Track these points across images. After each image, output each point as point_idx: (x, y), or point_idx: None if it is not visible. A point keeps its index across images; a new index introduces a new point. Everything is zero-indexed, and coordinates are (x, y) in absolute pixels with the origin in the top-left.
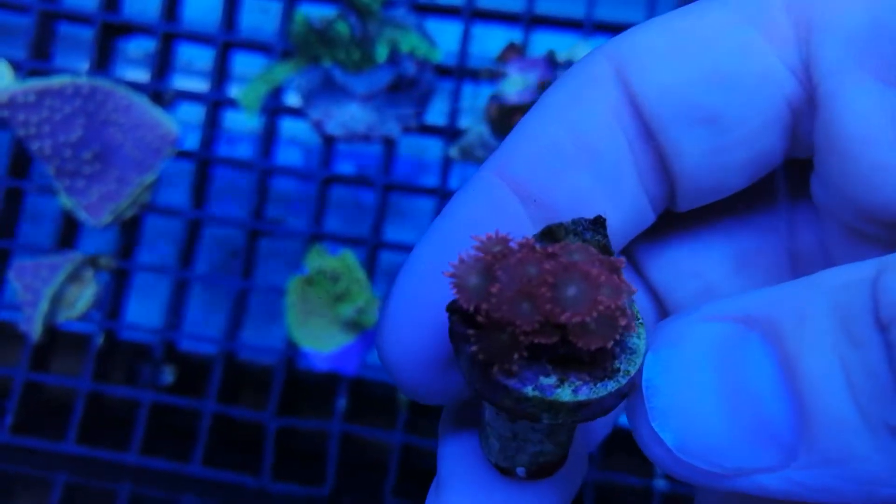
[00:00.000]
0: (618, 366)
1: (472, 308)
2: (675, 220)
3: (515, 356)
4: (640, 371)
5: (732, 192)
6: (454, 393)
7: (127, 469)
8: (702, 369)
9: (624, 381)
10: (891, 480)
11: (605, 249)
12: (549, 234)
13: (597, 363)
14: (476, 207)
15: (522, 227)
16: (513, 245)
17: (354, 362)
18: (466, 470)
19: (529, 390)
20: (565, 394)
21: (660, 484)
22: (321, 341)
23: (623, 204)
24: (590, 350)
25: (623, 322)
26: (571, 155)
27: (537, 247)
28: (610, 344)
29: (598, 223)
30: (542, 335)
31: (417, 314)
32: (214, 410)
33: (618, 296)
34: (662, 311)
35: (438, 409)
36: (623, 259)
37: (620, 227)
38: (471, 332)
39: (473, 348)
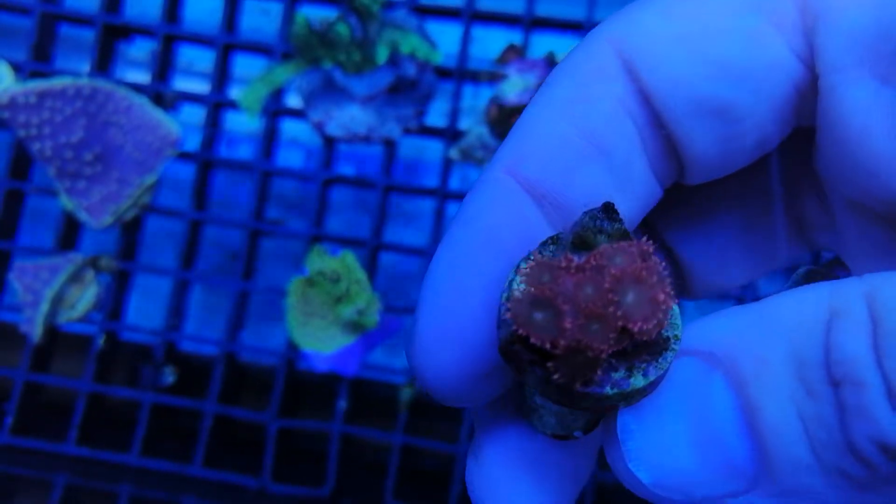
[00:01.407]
0: (666, 334)
1: (548, 345)
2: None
3: (599, 371)
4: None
5: (741, 167)
6: (486, 397)
7: (128, 470)
8: (672, 412)
9: (678, 347)
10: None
11: (625, 234)
12: (582, 244)
13: (650, 341)
14: (493, 213)
15: (540, 229)
16: (558, 262)
17: (355, 363)
18: (504, 431)
19: (609, 390)
20: (638, 381)
21: None
22: (322, 342)
23: (636, 191)
24: (653, 339)
25: (672, 304)
26: (583, 153)
27: (576, 260)
28: (666, 324)
29: (610, 210)
30: (616, 346)
31: (447, 328)
32: (215, 411)
33: (663, 284)
34: (674, 263)
35: (438, 411)
36: (650, 243)
37: (634, 212)
38: (549, 363)
39: (555, 376)
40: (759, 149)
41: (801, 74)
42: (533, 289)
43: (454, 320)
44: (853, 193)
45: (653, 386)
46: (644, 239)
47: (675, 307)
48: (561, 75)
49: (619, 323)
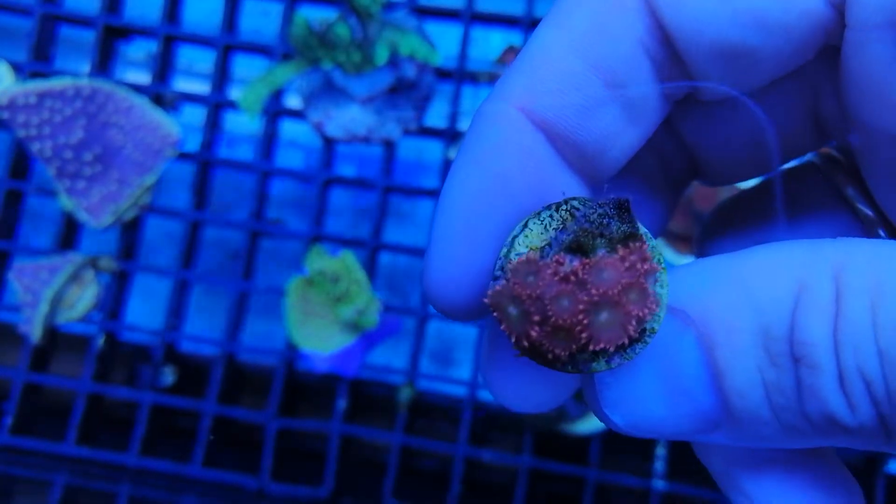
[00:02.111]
0: (644, 327)
1: (514, 339)
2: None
3: (559, 365)
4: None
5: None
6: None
7: (127, 470)
8: (644, 367)
9: (650, 340)
10: (796, 447)
11: (633, 236)
12: (579, 248)
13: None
14: (507, 153)
15: (554, 171)
16: (547, 274)
17: (354, 363)
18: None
19: (569, 368)
20: (600, 366)
21: (658, 484)
22: (321, 342)
23: (649, 123)
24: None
25: (649, 317)
26: (600, 93)
27: (567, 262)
28: (637, 333)
29: (623, 208)
30: (581, 355)
31: (458, 273)
32: (215, 411)
33: (643, 300)
34: (694, 166)
35: (437, 412)
36: (645, 244)
37: (640, 139)
38: (523, 345)
39: (520, 353)
40: (774, 75)
41: (831, 17)
42: (514, 285)
43: (464, 265)
44: (872, 122)
45: (616, 367)
46: (643, 246)
47: (664, 293)
48: (574, 5)
49: (584, 339)
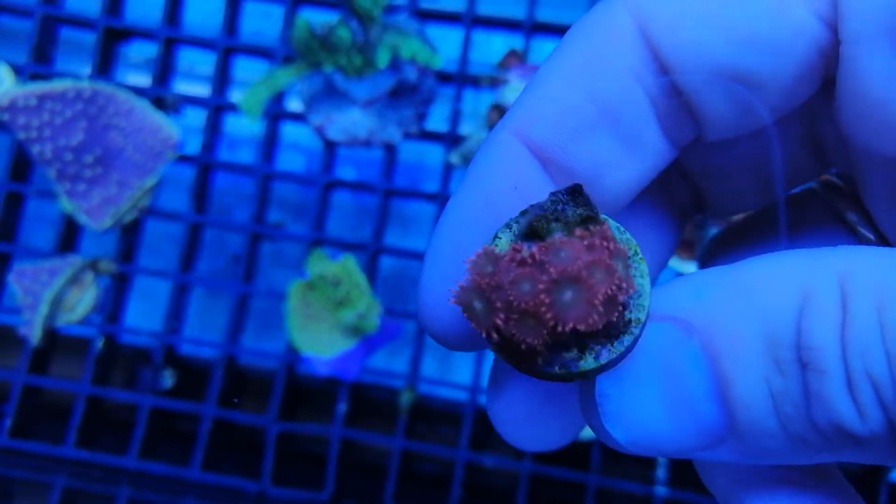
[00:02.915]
0: (629, 317)
1: (484, 334)
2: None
3: (538, 360)
4: (648, 313)
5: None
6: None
7: (126, 473)
8: (647, 378)
9: (637, 331)
10: (796, 462)
11: (590, 219)
12: (533, 234)
13: (608, 324)
14: (498, 175)
15: (545, 193)
16: (504, 262)
17: (355, 367)
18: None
19: (556, 370)
20: (588, 363)
21: (660, 491)
22: (322, 346)
23: (646, 157)
24: (599, 329)
25: (622, 297)
26: (592, 119)
27: (525, 249)
28: (615, 317)
29: (576, 193)
30: (555, 338)
31: (447, 285)
32: (214, 414)
33: (610, 277)
34: (699, 200)
35: (438, 415)
36: (607, 226)
37: (641, 175)
38: (492, 343)
39: (500, 355)
40: (781, 109)
41: (826, 37)
42: (474, 278)
43: (450, 276)
44: (870, 144)
45: (607, 367)
46: (604, 227)
47: (645, 283)
48: (574, 38)
49: (551, 321)
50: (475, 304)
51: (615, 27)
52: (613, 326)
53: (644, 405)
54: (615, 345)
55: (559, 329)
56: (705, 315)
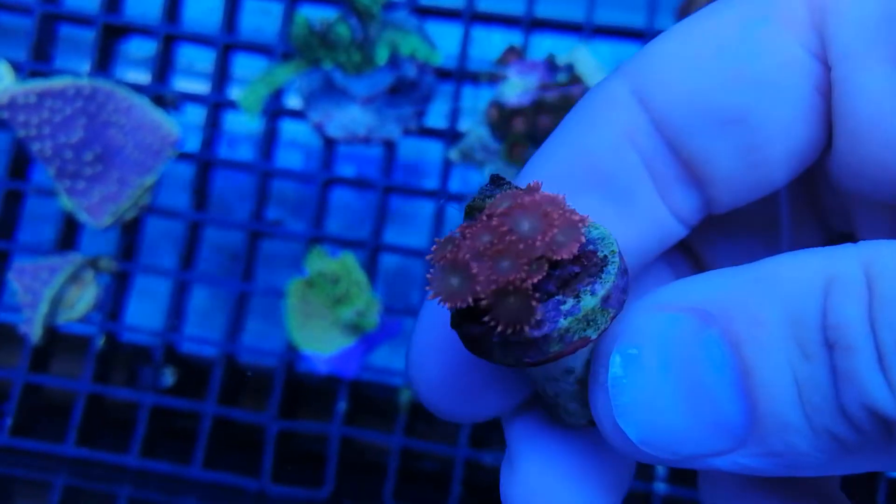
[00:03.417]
0: (602, 254)
1: (472, 300)
2: None
3: (533, 304)
4: (619, 248)
5: (776, 187)
6: (479, 413)
7: (127, 471)
8: (663, 368)
9: (617, 260)
10: (821, 467)
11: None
12: (473, 210)
13: (587, 265)
14: None
15: None
16: (456, 234)
17: (354, 365)
18: (536, 438)
19: (563, 321)
20: (588, 301)
21: (660, 487)
22: (321, 344)
23: (639, 221)
24: (574, 256)
25: (577, 217)
26: (582, 179)
27: (474, 222)
28: (584, 239)
29: (497, 179)
30: (536, 273)
31: (435, 358)
32: (215, 413)
33: (557, 204)
34: (696, 261)
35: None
36: (537, 182)
37: (639, 242)
38: (485, 317)
39: (499, 329)
40: (791, 162)
41: (820, 74)
42: (440, 260)
43: (436, 352)
44: (867, 190)
45: (610, 303)
46: (534, 181)
47: (603, 229)
48: (574, 109)
49: (521, 247)
50: (451, 281)
51: (610, 93)
52: (593, 265)
53: (659, 397)
54: (603, 276)
55: (531, 249)
56: (725, 302)
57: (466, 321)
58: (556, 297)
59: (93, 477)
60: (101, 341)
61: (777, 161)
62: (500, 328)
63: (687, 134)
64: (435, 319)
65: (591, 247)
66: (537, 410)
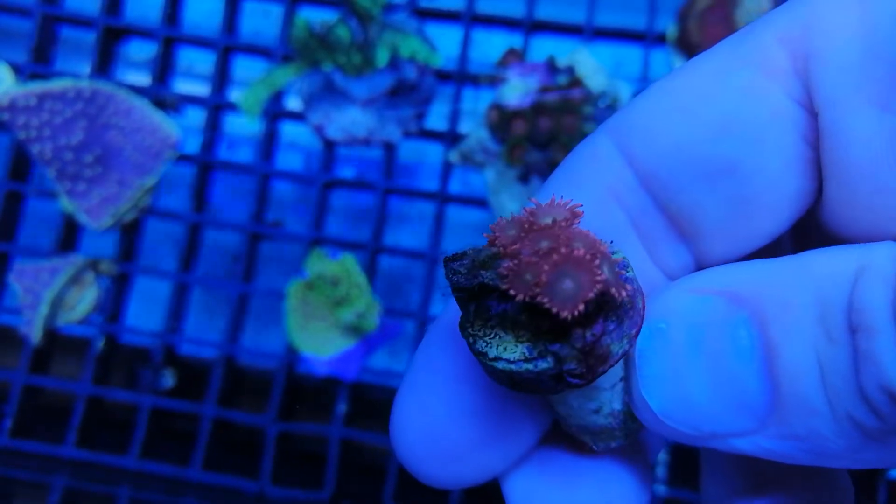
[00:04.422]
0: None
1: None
2: None
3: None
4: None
5: (767, 240)
6: (467, 478)
7: (126, 473)
8: (689, 344)
9: (632, 274)
10: (844, 455)
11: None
12: (483, 265)
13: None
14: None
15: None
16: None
17: (354, 367)
18: (535, 495)
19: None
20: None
21: (660, 489)
22: (321, 346)
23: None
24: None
25: (609, 256)
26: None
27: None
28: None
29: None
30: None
31: (430, 412)
32: (214, 414)
33: (589, 241)
34: None
35: None
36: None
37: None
38: (502, 286)
39: (513, 292)
40: (781, 212)
41: (807, 122)
42: (508, 251)
43: (421, 422)
44: (861, 236)
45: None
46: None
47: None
48: (561, 166)
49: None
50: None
51: (595, 150)
52: (619, 306)
53: (683, 374)
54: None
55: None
56: (756, 286)
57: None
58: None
59: (92, 478)
60: (100, 343)
61: (767, 212)
62: (513, 292)
63: (673, 188)
64: (430, 372)
65: (615, 267)
66: (536, 463)
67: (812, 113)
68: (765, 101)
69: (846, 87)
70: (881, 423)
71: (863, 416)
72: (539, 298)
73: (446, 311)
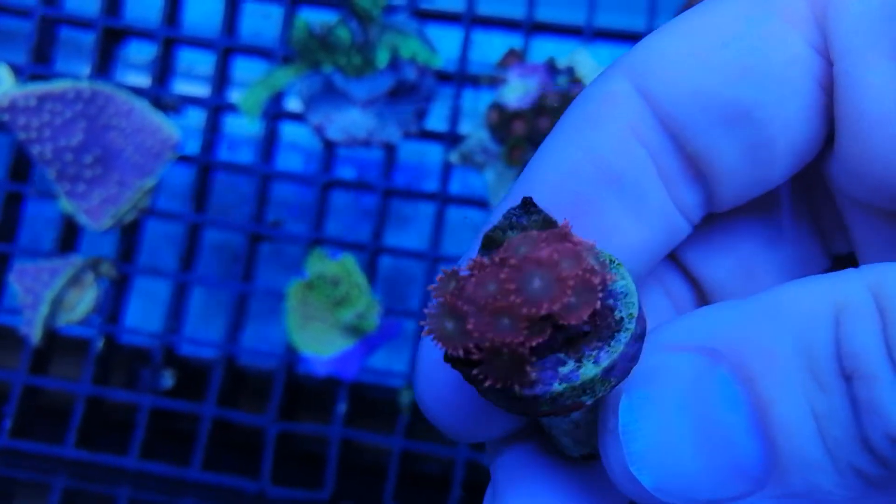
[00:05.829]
0: (619, 315)
1: (461, 352)
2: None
3: (527, 367)
4: (641, 310)
5: (777, 184)
6: (489, 432)
7: (126, 473)
8: (675, 412)
9: (632, 326)
10: None
11: (547, 222)
12: (490, 242)
13: (599, 325)
14: None
15: None
16: (464, 273)
17: (354, 367)
18: (522, 473)
19: (557, 386)
20: (589, 370)
21: None
22: (321, 346)
23: (652, 221)
24: (584, 321)
25: (597, 280)
26: (593, 181)
27: (485, 261)
28: (598, 304)
29: (527, 204)
30: (536, 336)
31: (440, 381)
32: (214, 414)
33: (578, 261)
34: (701, 295)
35: None
36: (567, 223)
37: (651, 243)
38: (474, 371)
39: (487, 382)
40: (793, 158)
41: (823, 69)
42: (440, 299)
43: (440, 376)
44: (870, 196)
45: (613, 374)
46: (566, 224)
47: (629, 283)
48: (573, 106)
49: (525, 311)
50: (446, 324)
51: (611, 90)
52: (605, 326)
53: (673, 444)
54: (612, 344)
55: (533, 312)
56: (733, 337)
57: (458, 363)
58: (558, 355)
59: (92, 478)
60: (100, 343)
61: (780, 158)
62: (487, 382)
63: (692, 130)
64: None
65: (610, 301)
66: (528, 441)
67: (828, 61)
68: (785, 48)
69: (863, 38)
70: (887, 472)
71: (867, 465)
72: (480, 335)
73: None
